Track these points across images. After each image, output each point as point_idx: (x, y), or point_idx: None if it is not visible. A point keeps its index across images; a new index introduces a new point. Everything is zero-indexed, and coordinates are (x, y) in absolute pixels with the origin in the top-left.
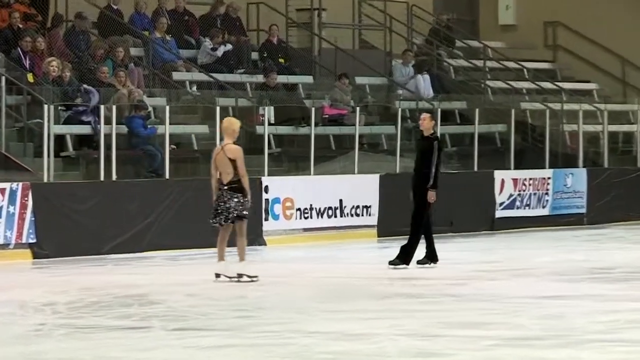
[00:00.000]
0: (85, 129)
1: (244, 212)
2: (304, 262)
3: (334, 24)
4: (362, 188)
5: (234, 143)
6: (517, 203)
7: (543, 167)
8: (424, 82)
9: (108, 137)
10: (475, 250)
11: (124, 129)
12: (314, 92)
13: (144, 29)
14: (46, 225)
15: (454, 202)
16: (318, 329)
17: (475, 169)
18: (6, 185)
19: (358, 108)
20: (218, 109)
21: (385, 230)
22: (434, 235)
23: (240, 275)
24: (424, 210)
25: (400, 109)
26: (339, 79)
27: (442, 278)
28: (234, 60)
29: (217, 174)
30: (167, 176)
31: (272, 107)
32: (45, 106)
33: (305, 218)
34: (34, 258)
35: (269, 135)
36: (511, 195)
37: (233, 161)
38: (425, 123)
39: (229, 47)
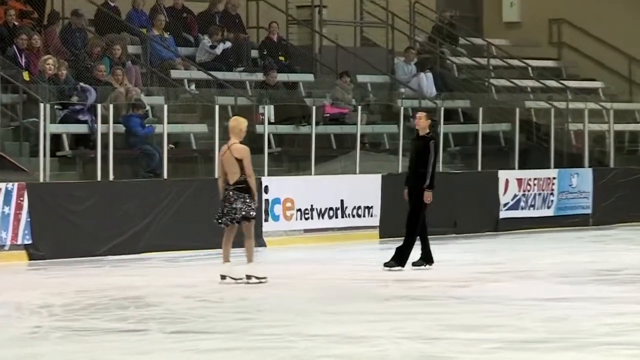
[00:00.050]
0: (82, 128)
1: (251, 213)
2: (304, 263)
3: (335, 21)
4: (363, 188)
5: (241, 142)
6: (522, 203)
7: (548, 167)
8: (426, 81)
9: (105, 136)
10: (479, 252)
11: (121, 128)
12: (314, 91)
13: (142, 26)
14: (42, 226)
15: (457, 202)
16: (319, 331)
17: (479, 168)
18: (1, 186)
19: (360, 107)
20: (217, 107)
21: (387, 231)
22: (434, 236)
23: (249, 277)
24: (419, 211)
25: (402, 108)
26: (340, 77)
27: (444, 280)
28: (234, 58)
29: (223, 173)
30: (165, 176)
31: (272, 106)
32: (41, 105)
33: (306, 219)
34: (30, 259)
35: (269, 135)
36: (515, 196)
37: (240, 161)
38: (421, 122)
39: (228, 44)
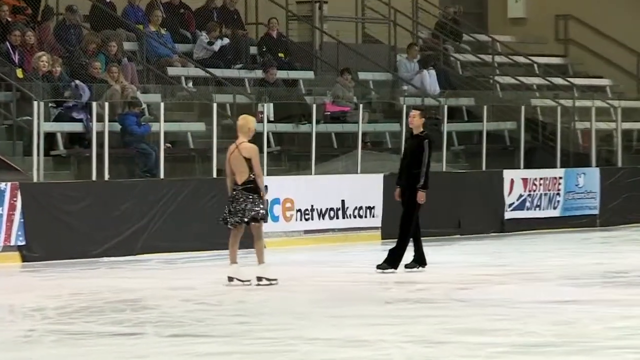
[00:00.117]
0: (76, 127)
1: (261, 214)
2: (304, 265)
3: (336, 17)
4: (365, 188)
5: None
6: (527, 204)
7: (554, 167)
8: (429, 78)
9: (100, 135)
10: (484, 253)
11: (117, 126)
12: (315, 88)
13: (138, 22)
14: (36, 227)
15: (461, 202)
16: (320, 335)
17: (484, 168)
18: None
19: (361, 105)
20: (215, 105)
21: (389, 232)
22: (437, 237)
23: (259, 279)
24: (413, 212)
25: (405, 106)
26: (341, 74)
27: (448, 282)
28: (232, 55)
29: (231, 173)
30: (162, 176)
31: (271, 104)
32: (35, 103)
33: (306, 219)
34: (23, 261)
35: (268, 134)
36: (521, 196)
37: (248, 160)
38: (415, 120)
39: (227, 41)
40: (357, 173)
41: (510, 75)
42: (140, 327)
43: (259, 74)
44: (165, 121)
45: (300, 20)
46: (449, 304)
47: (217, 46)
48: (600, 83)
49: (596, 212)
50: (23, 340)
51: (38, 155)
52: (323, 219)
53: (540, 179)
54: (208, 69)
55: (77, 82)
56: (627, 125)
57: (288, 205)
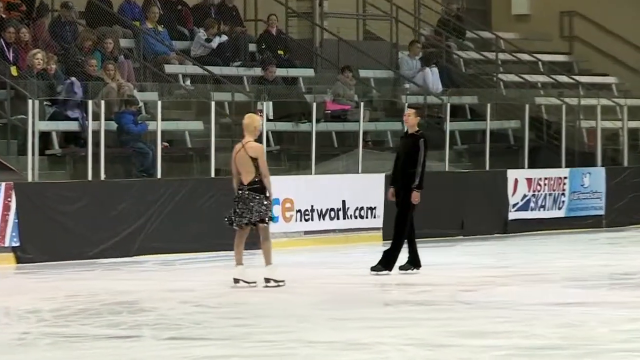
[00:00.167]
0: (72, 126)
1: (267, 214)
2: (304, 267)
3: (337, 13)
4: (366, 188)
5: (255, 141)
6: (532, 204)
7: (559, 166)
8: (432, 76)
9: (96, 134)
10: (487, 254)
11: (113, 125)
12: (315, 86)
13: (135, 19)
14: (30, 228)
15: (465, 203)
16: (320, 338)
17: (487, 167)
18: None
19: (362, 103)
20: (213, 104)
21: (391, 233)
22: (440, 238)
23: (267, 280)
24: (407, 212)
25: (407, 104)
26: (342, 72)
27: (451, 284)
28: (230, 52)
29: (237, 173)
30: (159, 176)
31: (270, 102)
32: (30, 101)
33: (306, 220)
34: (18, 263)
35: (267, 132)
36: (525, 196)
37: (255, 160)
38: (410, 119)
39: (225, 38)
40: (358, 173)
41: (514, 73)
42: (137, 330)
43: (258, 71)
44: (162, 120)
45: (300, 17)
46: (452, 306)
47: (215, 43)
48: (606, 81)
49: (602, 212)
50: (17, 343)
51: (33, 154)
52: (323, 219)
53: (545, 178)
54: (206, 67)
55: (73, 79)
56: (634, 124)
57: (288, 205)
